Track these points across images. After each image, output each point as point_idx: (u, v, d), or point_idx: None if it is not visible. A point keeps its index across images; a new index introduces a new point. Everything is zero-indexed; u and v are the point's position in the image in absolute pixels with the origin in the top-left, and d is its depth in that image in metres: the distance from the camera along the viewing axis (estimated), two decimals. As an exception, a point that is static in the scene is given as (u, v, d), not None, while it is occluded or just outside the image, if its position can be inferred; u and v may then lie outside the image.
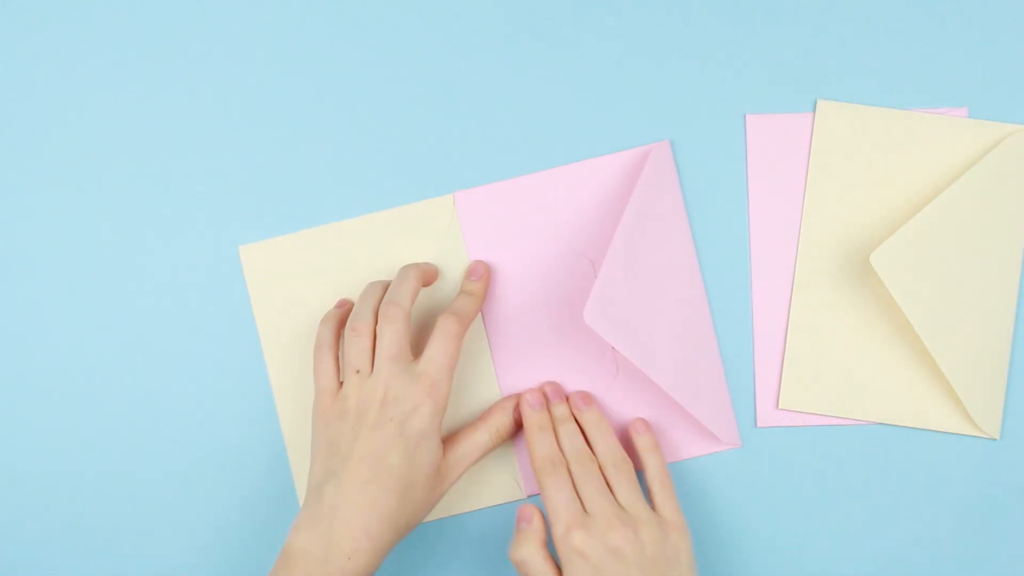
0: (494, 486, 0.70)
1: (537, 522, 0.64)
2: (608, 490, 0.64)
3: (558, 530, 0.63)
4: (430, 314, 0.70)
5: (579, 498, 0.64)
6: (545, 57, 0.72)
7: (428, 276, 0.69)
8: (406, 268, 0.68)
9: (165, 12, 0.72)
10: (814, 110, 0.71)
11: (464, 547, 0.70)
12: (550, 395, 0.69)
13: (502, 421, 0.68)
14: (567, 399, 0.69)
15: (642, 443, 0.67)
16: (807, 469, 0.70)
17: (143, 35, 0.72)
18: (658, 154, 0.70)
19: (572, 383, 0.70)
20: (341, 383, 0.66)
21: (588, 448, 0.67)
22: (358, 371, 0.64)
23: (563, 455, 0.66)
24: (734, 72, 0.71)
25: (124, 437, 0.71)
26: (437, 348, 0.64)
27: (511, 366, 0.70)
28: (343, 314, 0.69)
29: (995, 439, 0.69)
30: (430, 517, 0.70)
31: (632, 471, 0.66)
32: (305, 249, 0.71)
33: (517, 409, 0.68)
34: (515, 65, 0.72)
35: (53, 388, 0.71)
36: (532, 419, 0.68)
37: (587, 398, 0.69)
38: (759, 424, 0.70)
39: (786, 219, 0.71)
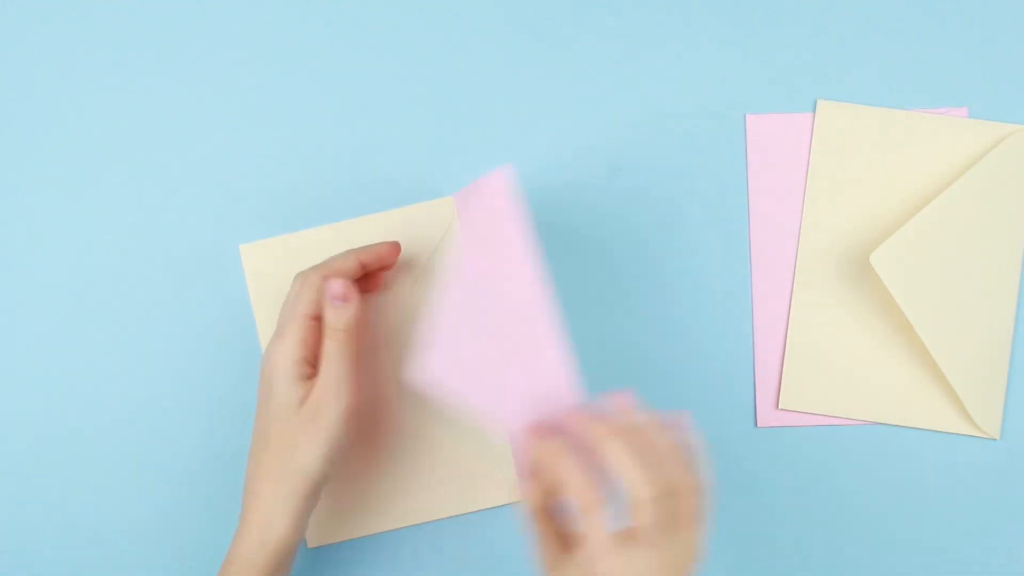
0: (494, 486, 0.70)
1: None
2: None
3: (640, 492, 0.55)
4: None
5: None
6: (545, 57, 0.72)
7: (375, 255, 0.66)
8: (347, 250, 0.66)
9: (165, 12, 0.72)
10: (814, 110, 0.71)
11: (464, 547, 0.70)
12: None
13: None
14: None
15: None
16: (807, 469, 0.70)
17: (143, 35, 0.72)
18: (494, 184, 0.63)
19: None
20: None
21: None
22: None
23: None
24: (734, 72, 0.71)
25: (124, 437, 0.71)
26: (290, 295, 0.64)
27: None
28: None
29: (995, 439, 0.69)
30: (430, 517, 0.70)
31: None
32: (305, 249, 0.71)
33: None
34: (515, 65, 0.72)
35: (53, 388, 0.71)
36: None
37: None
38: (759, 424, 0.70)
39: (786, 219, 0.71)
